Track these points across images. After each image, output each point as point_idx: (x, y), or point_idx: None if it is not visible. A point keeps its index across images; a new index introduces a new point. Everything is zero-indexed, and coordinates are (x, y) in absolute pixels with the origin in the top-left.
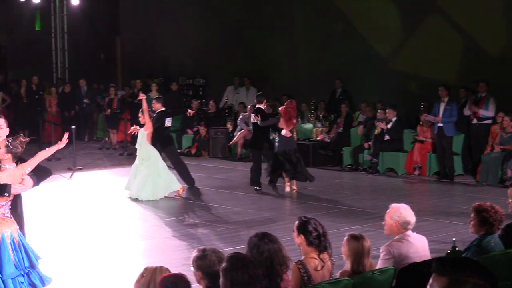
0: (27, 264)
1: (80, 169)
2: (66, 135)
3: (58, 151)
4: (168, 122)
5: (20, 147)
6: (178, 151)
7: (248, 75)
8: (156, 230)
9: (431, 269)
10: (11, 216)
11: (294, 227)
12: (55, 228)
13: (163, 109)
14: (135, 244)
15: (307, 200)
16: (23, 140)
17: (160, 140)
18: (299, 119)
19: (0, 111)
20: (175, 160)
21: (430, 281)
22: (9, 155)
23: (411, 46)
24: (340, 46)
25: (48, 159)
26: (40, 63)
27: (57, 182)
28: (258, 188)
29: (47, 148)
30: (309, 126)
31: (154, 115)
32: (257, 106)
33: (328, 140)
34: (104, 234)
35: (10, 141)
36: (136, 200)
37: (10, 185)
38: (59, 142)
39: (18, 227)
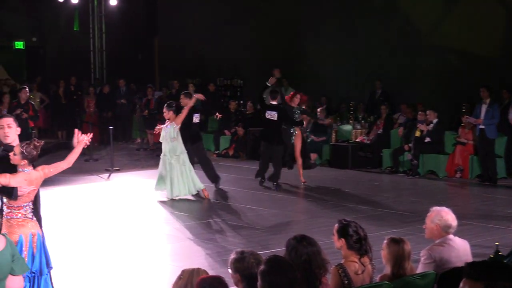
0: (36, 268)
1: (117, 170)
2: (90, 135)
3: (96, 151)
4: (196, 118)
5: (34, 151)
6: (216, 152)
7: (287, 76)
8: (192, 231)
9: (463, 274)
10: (33, 217)
11: (334, 230)
12: (88, 228)
13: (192, 104)
14: (170, 245)
15: (346, 203)
16: (37, 144)
17: (188, 136)
18: (338, 120)
19: (38, 111)
20: (202, 156)
21: (461, 285)
22: (25, 161)
23: (455, 47)
24: (381, 47)
25: (86, 160)
26: (78, 64)
27: (95, 183)
28: (275, 184)
29: (70, 158)
30: (348, 127)
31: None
32: (270, 103)
33: (368, 142)
34: (138, 235)
35: (24, 147)
36: (172, 200)
37: (16, 188)
38: (79, 140)
39: (40, 229)
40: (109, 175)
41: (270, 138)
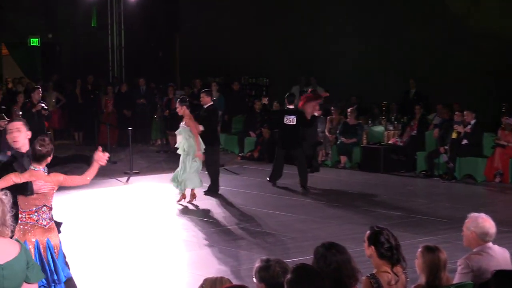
0: (55, 277)
1: (136, 173)
2: (101, 152)
3: (114, 153)
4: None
5: (42, 148)
6: (240, 154)
7: (315, 74)
8: (214, 238)
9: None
10: (47, 224)
11: (364, 237)
12: (105, 234)
13: (212, 103)
14: (191, 253)
15: (378, 209)
16: (44, 142)
17: (212, 136)
18: (370, 122)
19: (53, 111)
20: (216, 161)
21: None
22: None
23: (493, 45)
24: (414, 44)
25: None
26: (96, 62)
27: (113, 187)
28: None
29: (87, 176)
30: (380, 129)
31: (203, 109)
32: (288, 107)
33: (401, 144)
34: (157, 241)
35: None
36: (193, 205)
37: (30, 182)
38: (96, 159)
39: (57, 236)
40: (128, 179)
41: (288, 143)
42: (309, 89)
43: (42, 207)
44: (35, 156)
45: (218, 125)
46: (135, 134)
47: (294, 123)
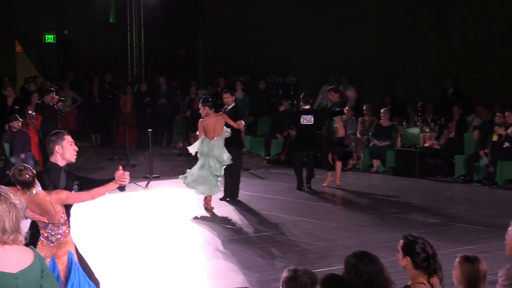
0: None
1: (156, 177)
2: (121, 171)
3: (133, 156)
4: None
5: (25, 176)
6: (266, 158)
7: (346, 72)
8: (238, 246)
9: None
10: (55, 242)
11: (398, 247)
12: (123, 241)
13: (234, 104)
14: (214, 262)
15: (413, 216)
16: (19, 171)
17: (237, 138)
18: (404, 123)
19: (69, 112)
20: (239, 166)
21: None
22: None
23: None
24: (452, 42)
25: (123, 166)
26: (114, 59)
27: (132, 192)
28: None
29: (104, 189)
30: (415, 131)
31: (228, 110)
32: (303, 108)
33: (438, 147)
34: (179, 250)
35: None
36: (213, 212)
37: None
38: (116, 178)
39: (66, 254)
40: (148, 183)
41: (303, 145)
42: (328, 87)
43: (47, 224)
44: (27, 185)
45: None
46: (155, 136)
47: (312, 122)
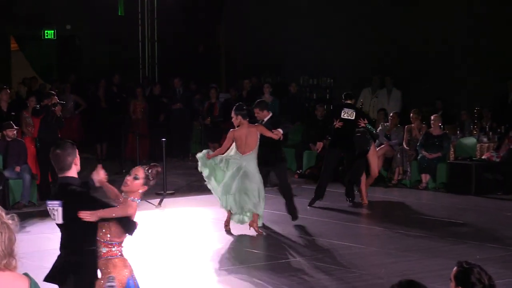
0: None
1: (171, 194)
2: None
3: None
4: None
5: (157, 177)
6: (298, 171)
7: (391, 73)
8: (268, 274)
9: None
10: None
11: (451, 275)
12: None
13: (271, 114)
14: None
15: (468, 240)
16: (160, 170)
17: (278, 153)
18: (458, 132)
19: (71, 118)
20: (286, 180)
21: None
22: (145, 188)
23: None
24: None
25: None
26: (123, 58)
27: (142, 211)
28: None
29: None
30: (471, 140)
31: (265, 123)
32: (346, 102)
33: (497, 160)
34: (198, 279)
35: (150, 171)
36: (241, 235)
37: (136, 223)
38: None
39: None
40: (161, 201)
41: (343, 142)
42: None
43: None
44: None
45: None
46: (170, 146)
47: (353, 117)
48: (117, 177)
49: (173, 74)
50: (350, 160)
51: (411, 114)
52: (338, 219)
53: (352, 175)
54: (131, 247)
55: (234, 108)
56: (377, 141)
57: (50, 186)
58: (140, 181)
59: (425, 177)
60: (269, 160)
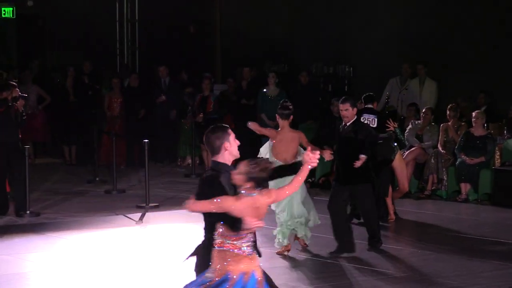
0: None
1: (155, 207)
2: (311, 152)
3: (122, 178)
4: None
5: (264, 174)
6: (310, 180)
7: (423, 60)
8: None
9: None
10: (252, 252)
11: None
12: None
13: (355, 118)
14: None
15: None
16: (268, 166)
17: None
18: (505, 132)
19: (33, 114)
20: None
21: None
22: (252, 183)
23: None
24: None
25: (107, 191)
26: (97, 41)
27: (120, 229)
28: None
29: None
30: None
31: (346, 127)
32: (366, 106)
33: None
34: None
35: (252, 167)
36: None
37: (241, 219)
38: (306, 160)
39: (259, 269)
40: (142, 216)
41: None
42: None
43: (248, 234)
44: (260, 183)
45: None
46: (154, 149)
47: (375, 125)
48: (89, 187)
49: (158, 62)
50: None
51: (448, 111)
52: (362, 239)
53: (379, 194)
54: (104, 271)
55: (280, 107)
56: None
57: (7, 197)
58: (241, 177)
59: (465, 187)
60: None
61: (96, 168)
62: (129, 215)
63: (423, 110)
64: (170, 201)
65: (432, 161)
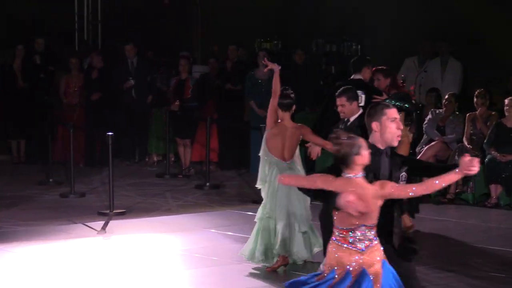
0: None
1: (121, 214)
2: (468, 157)
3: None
4: None
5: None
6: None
7: (446, 37)
8: None
9: None
10: (365, 248)
11: None
12: None
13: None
14: None
15: None
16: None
17: None
18: None
19: None
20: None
21: None
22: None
23: None
24: None
25: (62, 195)
26: (51, 15)
27: (80, 239)
28: None
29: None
30: None
31: (348, 124)
32: (353, 77)
33: None
34: None
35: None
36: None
37: (336, 193)
38: (463, 166)
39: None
40: (105, 225)
41: None
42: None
43: (359, 226)
44: (345, 160)
45: None
46: (119, 144)
47: (362, 103)
48: (41, 189)
49: (124, 38)
50: None
51: (476, 97)
52: None
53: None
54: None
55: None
56: (424, 136)
57: None
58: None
59: (496, 189)
60: None
61: (50, 167)
62: (89, 224)
63: (446, 97)
64: (138, 207)
65: (456, 157)
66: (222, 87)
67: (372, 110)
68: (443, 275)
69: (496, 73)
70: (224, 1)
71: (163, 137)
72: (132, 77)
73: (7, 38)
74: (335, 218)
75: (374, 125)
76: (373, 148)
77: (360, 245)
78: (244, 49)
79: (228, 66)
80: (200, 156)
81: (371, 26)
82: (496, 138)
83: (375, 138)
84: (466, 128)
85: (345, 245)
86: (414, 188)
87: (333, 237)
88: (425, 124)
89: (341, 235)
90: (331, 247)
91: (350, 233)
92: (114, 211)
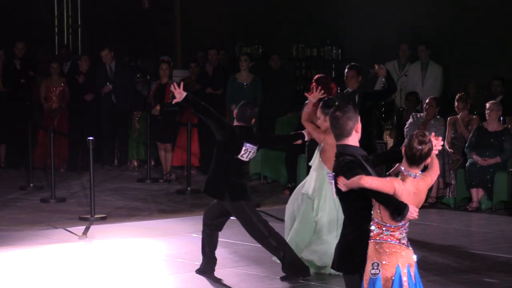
0: None
1: (101, 219)
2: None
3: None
4: None
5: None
6: (289, 185)
7: (426, 40)
8: None
9: None
10: (409, 244)
11: None
12: None
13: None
14: None
15: None
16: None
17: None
18: None
19: None
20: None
21: None
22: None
23: None
24: None
25: (43, 200)
26: (31, 17)
27: (61, 244)
28: None
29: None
30: None
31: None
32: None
33: None
34: None
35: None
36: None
37: (407, 206)
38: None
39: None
40: (87, 230)
41: None
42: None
43: (406, 223)
44: (414, 158)
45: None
46: (100, 149)
47: None
48: (22, 194)
49: (103, 42)
50: None
51: (456, 101)
52: None
53: None
54: None
55: (322, 104)
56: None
57: None
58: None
59: (477, 193)
60: None
61: (31, 171)
62: (71, 229)
63: (426, 101)
64: (120, 212)
65: (441, 162)
66: (203, 92)
67: (350, 112)
68: (424, 279)
69: (476, 77)
70: (204, 6)
71: (144, 142)
72: (110, 82)
73: None
74: (380, 215)
75: (358, 126)
76: (358, 150)
77: (405, 241)
78: (225, 53)
79: (208, 71)
80: (181, 161)
81: (352, 29)
82: (477, 142)
83: (355, 139)
84: (447, 132)
85: (395, 242)
86: (433, 176)
87: (385, 237)
88: (406, 128)
89: (390, 232)
90: (384, 246)
91: (400, 229)
92: (95, 216)
